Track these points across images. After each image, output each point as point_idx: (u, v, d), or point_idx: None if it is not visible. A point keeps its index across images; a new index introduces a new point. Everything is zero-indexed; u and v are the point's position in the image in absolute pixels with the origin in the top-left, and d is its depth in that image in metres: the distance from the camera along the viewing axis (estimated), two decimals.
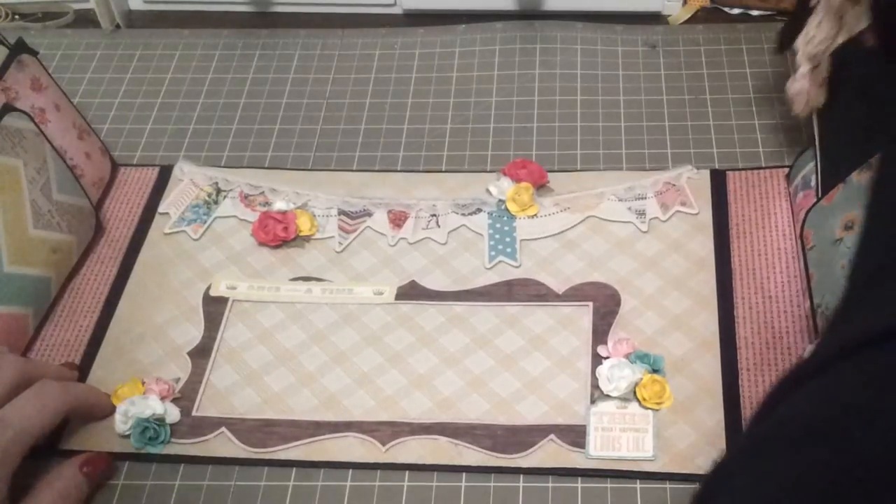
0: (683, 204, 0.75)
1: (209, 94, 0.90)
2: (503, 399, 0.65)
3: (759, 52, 0.88)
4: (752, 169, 0.77)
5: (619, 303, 0.69)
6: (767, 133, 0.80)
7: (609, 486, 0.61)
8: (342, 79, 0.90)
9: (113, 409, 0.66)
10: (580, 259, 0.72)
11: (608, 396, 0.64)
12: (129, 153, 0.85)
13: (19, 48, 0.73)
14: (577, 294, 0.70)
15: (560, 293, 0.71)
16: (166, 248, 0.76)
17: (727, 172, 0.77)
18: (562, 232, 0.74)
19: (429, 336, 0.69)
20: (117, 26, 0.98)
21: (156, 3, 1.00)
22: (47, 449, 0.64)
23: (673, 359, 0.66)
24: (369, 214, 0.77)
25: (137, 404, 0.65)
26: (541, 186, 0.77)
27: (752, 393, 0.63)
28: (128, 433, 0.64)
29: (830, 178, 0.67)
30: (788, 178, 0.74)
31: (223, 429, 0.65)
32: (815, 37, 0.68)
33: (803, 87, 0.70)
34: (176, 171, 0.81)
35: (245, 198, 0.79)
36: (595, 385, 0.65)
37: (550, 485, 0.61)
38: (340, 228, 0.76)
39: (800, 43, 0.70)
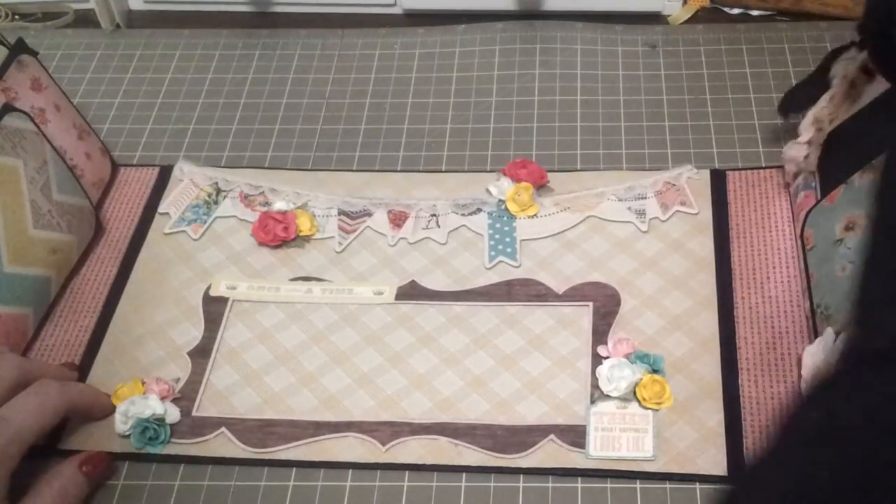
0: (683, 204, 0.75)
1: (209, 94, 0.90)
2: (503, 399, 0.65)
3: (759, 52, 0.88)
4: (752, 169, 0.77)
5: (619, 303, 0.69)
6: (767, 133, 0.80)
7: (609, 485, 0.61)
8: (342, 79, 0.90)
9: (113, 409, 0.66)
10: (580, 259, 0.72)
11: (608, 396, 0.64)
12: (129, 153, 0.85)
13: (19, 48, 0.73)
14: (577, 294, 0.70)
15: (560, 293, 0.71)
16: (166, 248, 0.76)
17: (727, 172, 0.77)
18: (562, 232, 0.74)
19: (429, 336, 0.69)
20: (117, 26, 0.98)
21: (156, 3, 1.00)
22: (47, 449, 0.64)
23: (673, 359, 0.66)
24: (369, 214, 0.77)
25: (137, 404, 0.65)
26: (541, 186, 0.77)
27: (752, 393, 0.63)
28: (128, 433, 0.64)
29: (832, 178, 0.67)
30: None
31: (223, 429, 0.65)
32: (826, 108, 0.68)
33: (800, 154, 0.70)
34: (176, 172, 0.81)
35: (245, 198, 0.79)
36: (595, 385, 0.65)
37: (550, 485, 0.61)
38: (340, 228, 0.76)
39: (811, 112, 0.70)
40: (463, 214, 0.76)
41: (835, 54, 0.69)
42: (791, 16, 0.91)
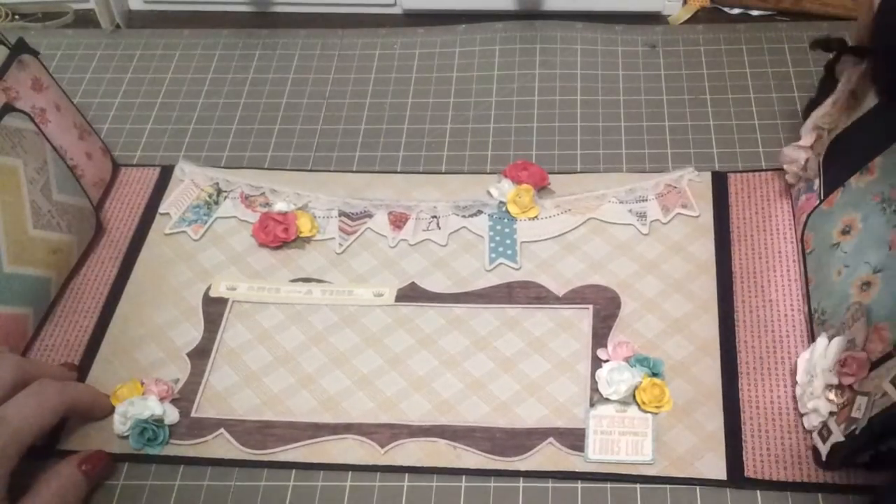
0: (684, 206, 0.75)
1: (209, 94, 0.90)
2: (502, 402, 0.65)
3: (759, 52, 0.88)
4: (754, 171, 0.76)
5: (620, 305, 0.69)
6: (767, 133, 0.80)
7: (609, 486, 0.61)
8: (342, 79, 0.90)
9: (112, 410, 0.66)
10: (581, 261, 0.72)
11: (607, 400, 0.64)
12: (129, 153, 0.85)
13: (20, 48, 0.73)
14: (577, 297, 0.70)
15: (560, 296, 0.70)
16: (167, 248, 0.76)
17: (728, 174, 0.76)
18: (562, 234, 0.74)
19: (428, 338, 0.69)
20: (117, 26, 0.98)
21: (156, 3, 1.00)
22: (46, 449, 0.64)
23: (673, 362, 0.66)
24: (370, 216, 0.77)
25: (136, 405, 0.65)
26: (542, 188, 0.77)
27: (752, 397, 0.63)
28: (126, 434, 0.64)
29: (833, 181, 0.66)
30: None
31: (222, 430, 0.65)
32: (828, 113, 0.68)
33: (800, 157, 0.70)
34: (177, 172, 0.81)
35: (246, 198, 0.79)
36: (594, 388, 0.65)
37: (550, 486, 0.61)
38: (341, 230, 0.76)
39: (813, 115, 0.70)
40: (464, 216, 0.76)
41: (836, 57, 0.69)
42: (791, 16, 0.91)
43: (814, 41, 0.69)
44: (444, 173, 0.80)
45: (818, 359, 0.60)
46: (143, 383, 0.67)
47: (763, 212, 0.73)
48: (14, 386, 0.60)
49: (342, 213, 0.77)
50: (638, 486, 0.61)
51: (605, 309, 0.69)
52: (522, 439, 0.63)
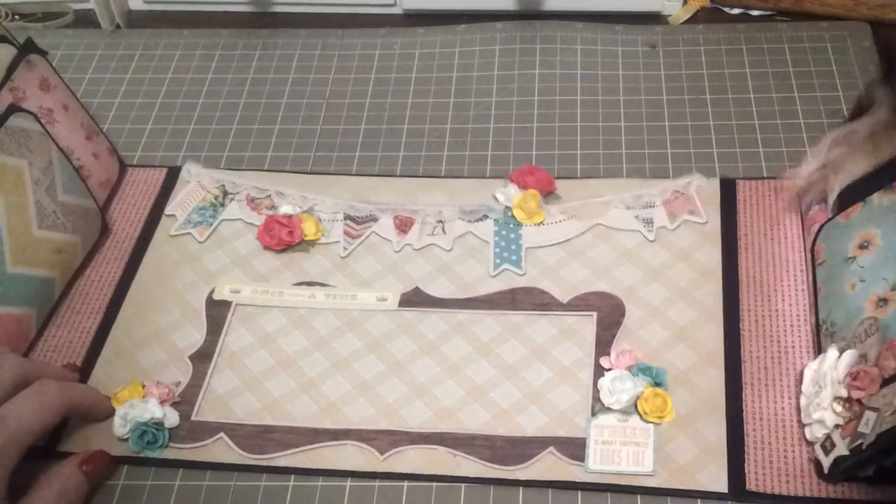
0: (692, 213, 0.74)
1: (209, 94, 0.90)
2: (503, 410, 0.65)
3: (759, 52, 0.87)
4: (763, 178, 0.76)
5: (624, 313, 0.69)
6: (767, 133, 0.80)
7: (609, 496, 0.60)
8: (342, 79, 0.90)
9: (113, 411, 0.66)
10: (586, 268, 0.72)
11: (609, 409, 0.63)
12: (130, 153, 0.85)
13: (28, 48, 0.73)
14: (581, 304, 0.70)
15: (564, 302, 0.70)
16: (171, 250, 0.76)
17: (737, 181, 0.76)
18: (568, 240, 0.74)
19: (431, 344, 0.69)
20: (117, 26, 0.98)
21: (156, 3, 1.00)
22: (46, 450, 0.64)
23: (676, 371, 0.65)
24: (375, 220, 0.77)
25: (136, 408, 0.65)
26: (548, 194, 0.76)
27: (755, 408, 0.63)
28: (126, 436, 0.64)
29: (849, 195, 0.65)
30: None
31: (222, 434, 0.65)
32: (844, 148, 0.68)
33: (810, 176, 0.69)
34: (184, 173, 0.81)
35: (251, 201, 0.79)
36: (596, 397, 0.64)
37: (550, 496, 0.61)
38: (346, 233, 0.76)
39: (833, 133, 0.69)
40: (469, 221, 0.76)
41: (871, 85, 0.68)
42: (791, 16, 0.91)
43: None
44: (451, 177, 0.79)
45: (828, 370, 0.59)
46: (144, 385, 0.67)
47: (771, 220, 0.73)
48: (15, 386, 0.60)
49: (347, 217, 0.77)
50: (638, 497, 0.60)
51: (608, 316, 0.69)
52: (523, 448, 0.62)
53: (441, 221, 0.76)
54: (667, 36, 0.90)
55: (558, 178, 0.77)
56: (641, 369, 0.64)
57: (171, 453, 0.64)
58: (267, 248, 0.75)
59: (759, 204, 0.74)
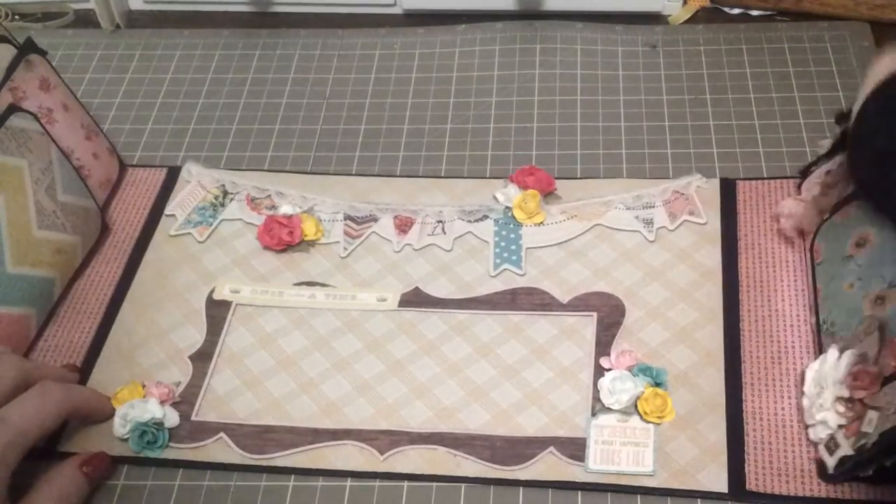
0: (692, 213, 0.74)
1: (209, 94, 0.90)
2: (503, 410, 0.65)
3: (759, 52, 0.87)
4: (763, 179, 0.76)
5: (624, 313, 0.69)
6: (767, 133, 0.80)
7: (609, 496, 0.60)
8: (342, 79, 0.90)
9: (113, 413, 0.66)
10: (586, 268, 0.72)
11: (609, 409, 0.63)
12: (130, 153, 0.85)
13: (28, 48, 0.73)
14: (581, 304, 0.70)
15: (564, 303, 0.70)
16: (171, 250, 0.76)
17: (737, 182, 0.76)
18: (568, 240, 0.74)
19: (431, 344, 0.69)
20: (117, 26, 0.98)
21: (156, 3, 1.00)
22: (46, 450, 0.64)
23: (676, 372, 0.65)
24: (375, 220, 0.77)
25: (137, 408, 0.65)
26: (548, 194, 0.76)
27: (755, 408, 0.63)
28: (126, 436, 0.64)
29: (848, 194, 0.66)
30: (799, 188, 0.73)
31: (222, 434, 0.65)
32: (838, 169, 0.67)
33: (797, 211, 0.69)
34: (184, 173, 0.81)
35: (251, 201, 0.79)
36: (596, 397, 0.64)
37: (550, 496, 0.61)
38: (346, 233, 0.76)
39: (819, 170, 0.69)
40: (469, 221, 0.76)
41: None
42: (791, 16, 0.91)
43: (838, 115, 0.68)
44: (451, 177, 0.79)
45: (828, 370, 0.59)
46: (144, 386, 0.67)
47: (771, 220, 0.73)
48: (15, 388, 0.60)
49: (347, 217, 0.77)
50: (638, 497, 0.60)
51: (609, 317, 0.69)
52: (523, 448, 0.62)
53: (441, 221, 0.76)
54: (667, 36, 0.90)
55: (558, 178, 0.77)
56: (641, 369, 0.64)
57: (171, 453, 0.64)
58: (267, 248, 0.75)
59: (759, 204, 0.74)
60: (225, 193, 0.80)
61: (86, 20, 1.00)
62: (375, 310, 0.71)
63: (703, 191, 0.75)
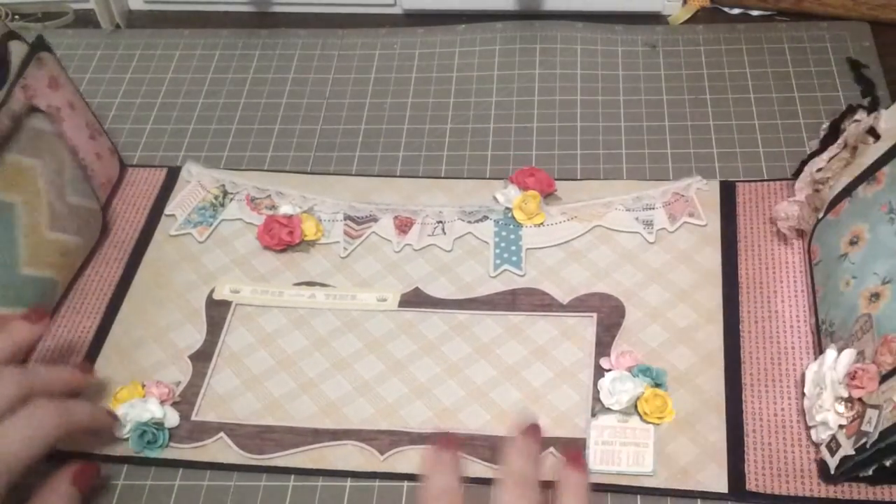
0: (692, 215, 0.74)
1: (209, 94, 0.90)
2: (503, 410, 0.65)
3: (759, 52, 0.87)
4: (762, 181, 0.76)
5: (624, 314, 0.69)
6: (767, 133, 0.80)
7: (609, 496, 0.60)
8: (342, 79, 0.90)
9: (112, 424, 0.64)
10: (586, 269, 0.72)
11: (609, 410, 0.63)
12: (129, 153, 0.85)
13: (39, 46, 0.72)
14: (581, 305, 0.70)
15: (564, 303, 0.70)
16: (171, 250, 0.76)
17: (737, 184, 0.76)
18: (568, 241, 0.74)
19: (431, 344, 0.69)
20: (117, 26, 0.98)
21: (156, 3, 1.00)
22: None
23: (676, 373, 0.65)
24: (375, 220, 0.77)
25: (136, 407, 0.64)
26: (548, 195, 0.76)
27: (755, 409, 0.63)
28: (126, 436, 0.64)
29: (840, 191, 0.66)
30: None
31: (222, 434, 0.65)
32: (828, 166, 0.68)
33: (793, 213, 0.69)
34: (184, 173, 0.81)
35: (251, 201, 0.79)
36: (596, 398, 0.64)
37: (550, 496, 0.60)
38: (346, 233, 0.76)
39: (808, 168, 0.69)
40: (469, 222, 0.76)
41: (846, 113, 0.69)
42: (791, 16, 0.91)
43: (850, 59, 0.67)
44: (451, 178, 0.79)
45: (827, 371, 0.59)
46: (143, 385, 0.67)
47: (770, 222, 0.73)
48: (12, 406, 0.56)
49: (347, 217, 0.77)
50: (638, 497, 0.60)
51: (609, 317, 0.69)
52: None
53: (441, 222, 0.76)
54: (667, 36, 0.91)
55: (558, 178, 0.77)
56: (641, 370, 0.64)
57: (171, 453, 0.64)
58: (267, 248, 0.75)
59: (758, 206, 0.74)
60: (225, 193, 0.80)
61: (86, 20, 1.00)
62: (375, 310, 0.71)
63: (702, 192, 0.75)
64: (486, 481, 0.61)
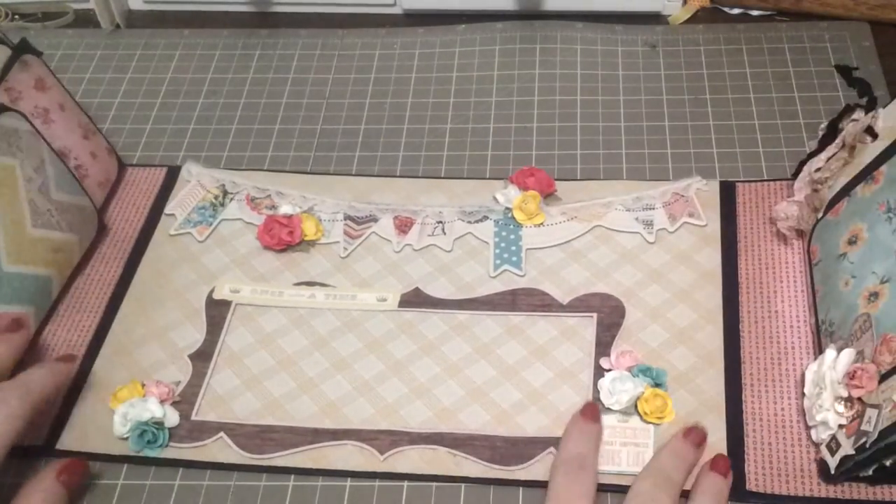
0: (692, 215, 0.74)
1: (209, 94, 0.90)
2: (503, 410, 0.65)
3: (759, 52, 0.88)
4: (762, 181, 0.76)
5: (624, 314, 0.69)
6: (767, 133, 0.80)
7: (609, 496, 0.60)
8: (342, 79, 0.90)
9: (71, 368, 0.65)
10: (586, 269, 0.72)
11: (609, 410, 0.63)
12: (129, 153, 0.85)
13: (22, 48, 0.73)
14: (581, 305, 0.70)
15: (564, 303, 0.70)
16: (171, 249, 0.76)
17: (737, 184, 0.76)
18: (568, 241, 0.74)
19: (431, 344, 0.69)
20: (117, 26, 0.98)
21: (156, 3, 1.00)
22: (45, 449, 0.64)
23: (676, 373, 0.65)
24: (375, 220, 0.77)
25: (136, 407, 0.64)
26: (548, 195, 0.76)
27: (755, 409, 0.63)
28: (126, 436, 0.64)
29: (838, 191, 0.66)
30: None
31: (222, 434, 0.64)
32: (826, 165, 0.68)
33: (792, 213, 0.69)
34: (183, 173, 0.81)
35: (251, 201, 0.79)
36: (596, 398, 0.64)
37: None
38: (346, 233, 0.76)
39: (806, 168, 0.69)
40: (469, 222, 0.76)
41: (844, 112, 0.69)
42: (791, 16, 0.91)
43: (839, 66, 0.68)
44: (451, 178, 0.79)
45: (826, 371, 0.59)
46: (143, 385, 0.67)
47: (770, 222, 0.73)
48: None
49: (347, 217, 0.77)
50: None
51: (609, 317, 0.69)
52: (523, 448, 0.62)
53: (441, 222, 0.76)
54: (667, 36, 0.91)
55: (558, 179, 0.77)
56: (641, 370, 0.64)
57: (170, 453, 0.64)
58: (267, 247, 0.75)
59: (758, 206, 0.74)
60: (225, 193, 0.80)
61: (86, 20, 1.00)
62: (375, 310, 0.71)
63: (702, 193, 0.75)
64: (486, 481, 0.61)
